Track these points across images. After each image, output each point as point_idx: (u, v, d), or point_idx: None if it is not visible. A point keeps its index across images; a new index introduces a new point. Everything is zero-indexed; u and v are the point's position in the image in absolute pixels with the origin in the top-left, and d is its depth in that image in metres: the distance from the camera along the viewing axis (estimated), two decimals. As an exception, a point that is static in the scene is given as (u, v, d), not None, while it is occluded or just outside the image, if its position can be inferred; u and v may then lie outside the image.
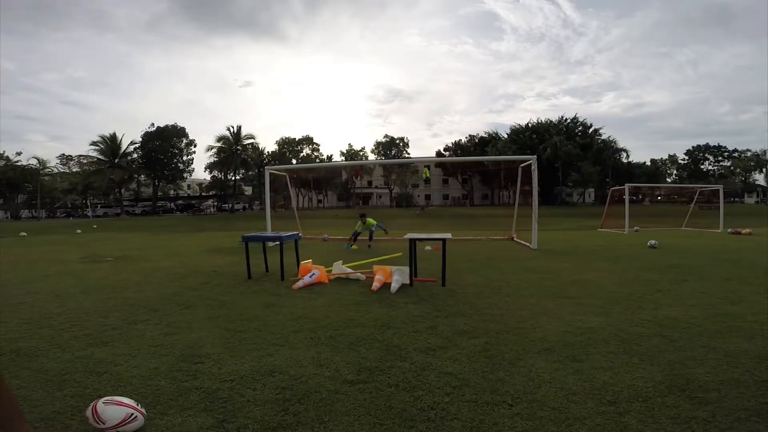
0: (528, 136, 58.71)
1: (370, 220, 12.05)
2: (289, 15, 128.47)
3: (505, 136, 62.92)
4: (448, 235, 5.87)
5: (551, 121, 61.13)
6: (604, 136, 59.73)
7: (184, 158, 60.12)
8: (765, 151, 62.30)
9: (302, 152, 66.36)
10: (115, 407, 2.03)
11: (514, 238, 12.48)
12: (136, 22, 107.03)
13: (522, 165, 12.58)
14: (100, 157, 51.75)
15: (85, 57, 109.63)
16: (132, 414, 2.02)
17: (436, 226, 23.52)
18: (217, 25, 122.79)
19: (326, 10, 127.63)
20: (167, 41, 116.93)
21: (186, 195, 75.08)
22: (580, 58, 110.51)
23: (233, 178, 59.05)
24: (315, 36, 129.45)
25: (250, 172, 61.16)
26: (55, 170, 58.88)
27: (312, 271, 5.87)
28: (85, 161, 57.41)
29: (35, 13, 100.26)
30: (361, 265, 7.24)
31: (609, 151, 57.90)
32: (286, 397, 2.37)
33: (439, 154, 70.29)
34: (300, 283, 5.55)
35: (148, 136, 57.05)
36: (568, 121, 60.96)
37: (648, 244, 10.33)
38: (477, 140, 67.57)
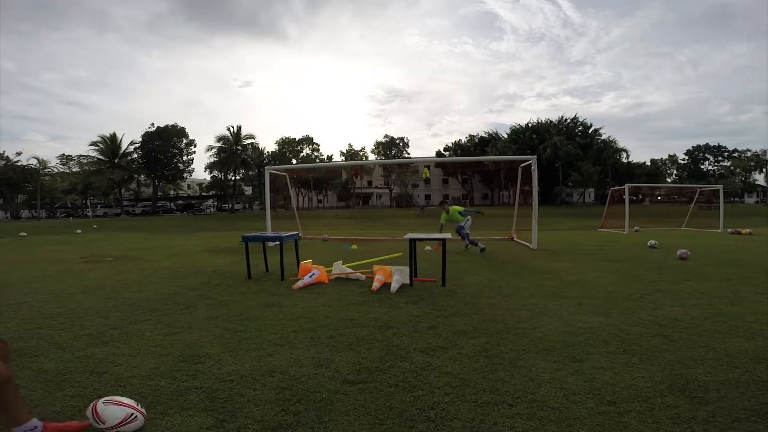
0: (528, 136, 58.70)
1: (456, 208, 9.63)
2: (289, 15, 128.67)
3: (505, 136, 62.93)
4: (448, 235, 5.87)
5: (551, 121, 61.14)
6: (604, 136, 59.76)
7: (184, 158, 60.15)
8: (765, 151, 62.25)
9: (302, 152, 66.39)
10: (115, 407, 2.03)
11: (514, 238, 12.48)
12: (137, 21, 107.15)
13: (522, 165, 12.58)
14: (100, 157, 51.74)
15: (85, 57, 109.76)
16: (132, 414, 2.02)
17: (436, 226, 23.51)
18: (217, 25, 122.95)
19: (326, 10, 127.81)
20: (168, 41, 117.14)
21: (186, 195, 75.08)
22: (580, 58, 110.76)
23: (233, 178, 59.05)
24: (315, 36, 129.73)
25: (250, 172, 61.17)
26: (55, 170, 58.92)
27: (312, 271, 5.87)
28: (85, 161, 57.36)
29: (35, 12, 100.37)
30: (361, 265, 7.24)
31: (609, 151, 57.88)
32: (286, 397, 2.37)
33: (439, 154, 70.31)
34: (300, 283, 5.55)
35: (148, 136, 57.06)
36: (568, 121, 60.96)
37: (648, 244, 10.33)
38: (477, 140, 67.56)
